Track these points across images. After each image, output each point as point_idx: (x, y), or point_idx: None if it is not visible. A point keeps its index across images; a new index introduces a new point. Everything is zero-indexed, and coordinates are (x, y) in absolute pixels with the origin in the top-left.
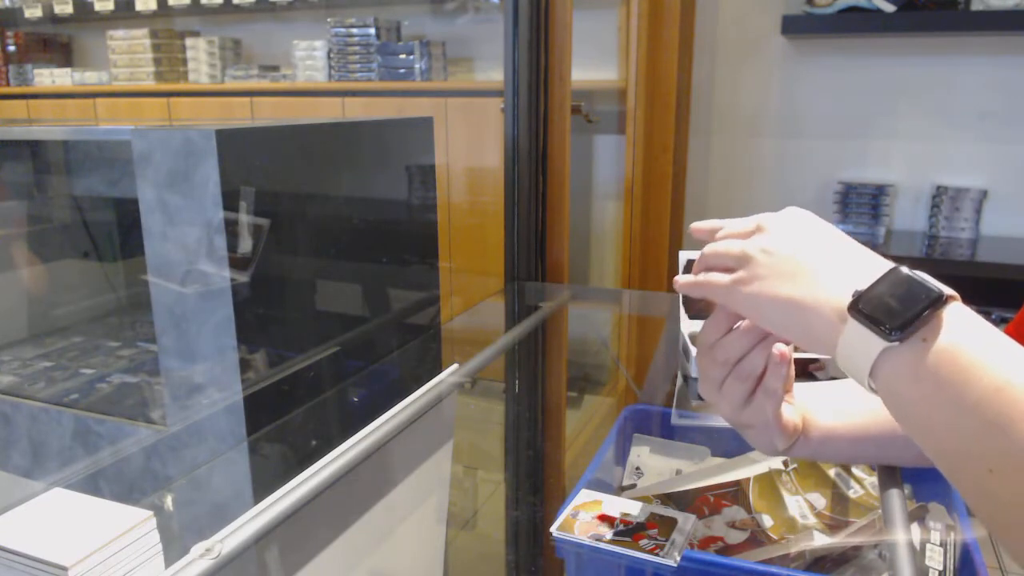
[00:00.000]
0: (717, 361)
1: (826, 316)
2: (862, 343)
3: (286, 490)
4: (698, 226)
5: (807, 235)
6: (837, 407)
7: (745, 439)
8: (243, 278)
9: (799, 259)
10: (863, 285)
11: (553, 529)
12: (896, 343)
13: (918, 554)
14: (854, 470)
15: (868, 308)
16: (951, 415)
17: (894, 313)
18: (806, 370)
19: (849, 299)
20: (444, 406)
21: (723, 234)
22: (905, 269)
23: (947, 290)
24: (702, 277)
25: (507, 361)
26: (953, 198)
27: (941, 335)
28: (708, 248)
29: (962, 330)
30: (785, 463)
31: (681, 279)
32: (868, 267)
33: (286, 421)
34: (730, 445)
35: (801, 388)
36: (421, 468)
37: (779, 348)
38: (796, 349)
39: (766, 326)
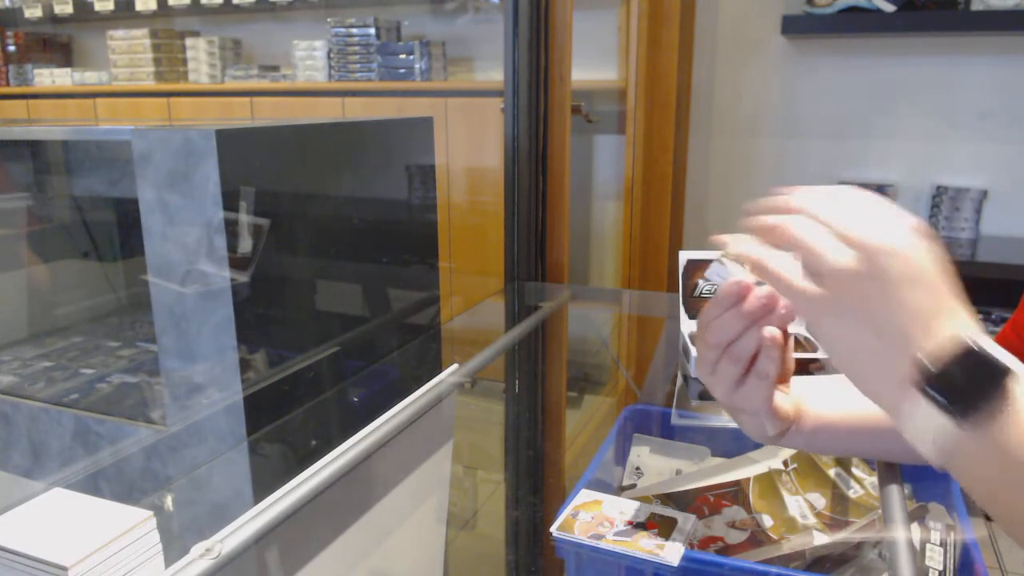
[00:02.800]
0: (709, 343)
1: (893, 382)
2: (928, 420)
3: (286, 490)
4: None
5: (906, 275)
6: (833, 399)
7: (737, 424)
8: (243, 278)
9: (888, 304)
10: (931, 355)
11: (553, 529)
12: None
13: (918, 554)
14: (854, 470)
15: (936, 385)
16: (1019, 490)
17: (962, 393)
18: (806, 369)
19: (917, 373)
20: (444, 406)
21: (808, 209)
22: (971, 340)
23: (1008, 361)
24: (777, 269)
25: (507, 361)
26: (953, 198)
27: (1009, 412)
28: (783, 221)
29: None
30: (785, 463)
31: (752, 252)
32: (941, 328)
33: (286, 421)
34: (730, 445)
35: (799, 381)
36: (421, 468)
37: (770, 331)
38: (798, 347)
39: (831, 358)
